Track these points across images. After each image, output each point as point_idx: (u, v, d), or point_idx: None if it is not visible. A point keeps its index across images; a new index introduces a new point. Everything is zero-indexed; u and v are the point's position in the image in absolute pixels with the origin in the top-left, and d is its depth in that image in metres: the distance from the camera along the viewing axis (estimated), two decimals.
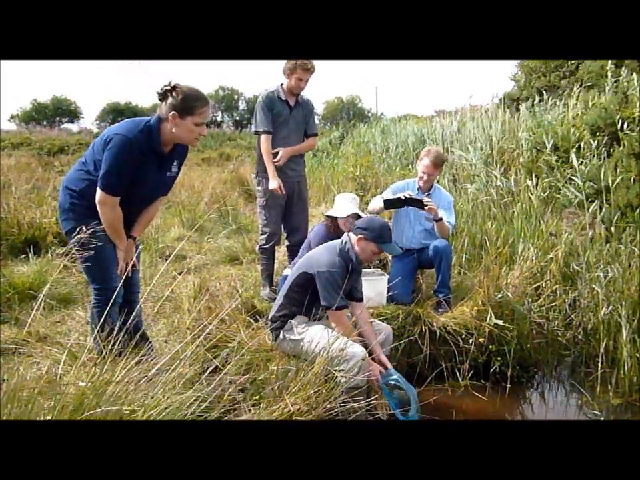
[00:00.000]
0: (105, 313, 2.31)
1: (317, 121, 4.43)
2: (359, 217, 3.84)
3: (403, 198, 3.87)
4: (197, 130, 2.59)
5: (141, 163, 2.57)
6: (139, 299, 2.99)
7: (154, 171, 2.68)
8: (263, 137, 4.07)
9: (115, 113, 60.35)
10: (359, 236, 3.05)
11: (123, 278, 2.61)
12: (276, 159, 4.04)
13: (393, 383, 3.04)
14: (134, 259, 2.81)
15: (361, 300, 3.27)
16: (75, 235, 2.40)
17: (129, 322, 2.26)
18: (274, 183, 3.96)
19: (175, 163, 2.79)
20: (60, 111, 56.72)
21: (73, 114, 58.11)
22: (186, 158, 2.94)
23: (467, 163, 7.62)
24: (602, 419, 3.32)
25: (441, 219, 3.94)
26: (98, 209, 2.59)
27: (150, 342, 2.90)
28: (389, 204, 3.99)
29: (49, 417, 1.57)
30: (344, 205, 3.99)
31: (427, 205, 3.83)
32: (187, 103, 2.53)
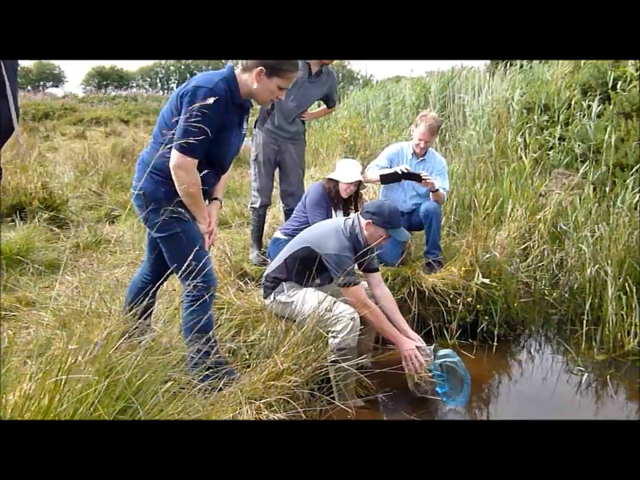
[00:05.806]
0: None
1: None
2: (360, 184, 3.81)
3: (400, 172, 3.85)
4: (277, 93, 2.39)
5: (224, 118, 2.30)
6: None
7: (234, 127, 2.42)
8: None
9: (99, 76, 59.18)
10: (368, 220, 3.01)
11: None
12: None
13: (449, 364, 2.92)
14: (215, 228, 2.53)
15: (376, 270, 3.21)
16: (164, 226, 2.28)
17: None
18: None
19: (245, 119, 2.53)
20: (44, 75, 55.55)
21: (57, 78, 56.94)
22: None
23: (471, 112, 7.61)
24: (586, 374, 3.40)
25: (437, 190, 3.95)
26: (173, 174, 2.28)
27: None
28: (386, 179, 3.97)
29: (31, 385, 1.56)
30: (348, 170, 3.90)
31: (424, 179, 3.84)
32: (280, 63, 2.30)
